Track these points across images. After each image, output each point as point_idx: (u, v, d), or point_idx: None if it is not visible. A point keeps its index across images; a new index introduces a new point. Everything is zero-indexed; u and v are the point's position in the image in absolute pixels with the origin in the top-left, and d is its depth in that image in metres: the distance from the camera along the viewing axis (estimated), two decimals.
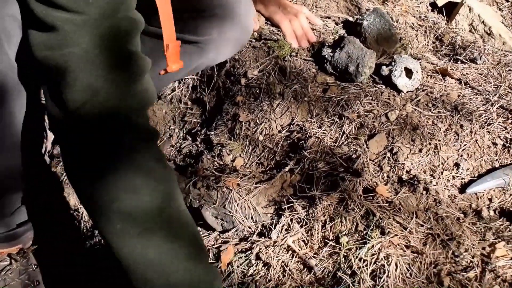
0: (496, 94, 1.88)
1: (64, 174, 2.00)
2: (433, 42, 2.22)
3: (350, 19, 2.14)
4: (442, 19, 2.32)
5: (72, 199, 1.97)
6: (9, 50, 1.32)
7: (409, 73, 1.84)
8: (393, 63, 1.86)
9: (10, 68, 1.33)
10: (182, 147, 1.92)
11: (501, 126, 1.76)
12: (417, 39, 2.20)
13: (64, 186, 1.99)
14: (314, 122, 1.76)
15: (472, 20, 2.25)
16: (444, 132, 1.73)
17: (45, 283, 1.71)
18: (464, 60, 2.06)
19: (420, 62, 1.96)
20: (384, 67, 1.88)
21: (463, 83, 1.94)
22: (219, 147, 1.78)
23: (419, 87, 1.88)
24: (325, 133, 1.72)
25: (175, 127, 2.01)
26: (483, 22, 2.22)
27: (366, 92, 1.82)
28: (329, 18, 2.18)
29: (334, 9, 2.23)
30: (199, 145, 1.88)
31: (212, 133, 1.85)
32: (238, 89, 1.90)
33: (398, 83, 1.84)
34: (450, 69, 1.99)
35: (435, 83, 1.92)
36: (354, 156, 1.64)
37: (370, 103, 1.78)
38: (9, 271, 1.67)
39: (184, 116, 2.02)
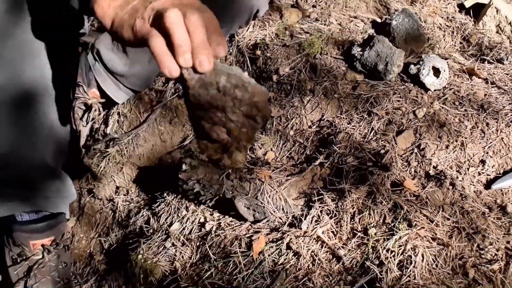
0: None
1: (99, 165, 2.08)
2: (460, 43, 2.26)
3: (378, 20, 2.19)
4: (470, 20, 2.35)
5: (108, 189, 2.04)
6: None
7: (436, 72, 1.89)
8: (421, 62, 1.91)
9: (43, 74, 1.45)
10: None
11: None
12: (444, 39, 2.24)
13: (99, 177, 2.06)
14: (343, 118, 1.81)
15: (499, 22, 2.28)
16: (470, 129, 1.78)
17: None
18: (491, 60, 2.10)
19: (447, 62, 2.01)
20: (412, 66, 1.93)
21: (489, 82, 1.98)
22: None
23: (446, 86, 1.93)
24: (354, 129, 1.77)
25: None
26: (510, 23, 2.26)
27: (395, 90, 1.87)
28: (356, 18, 2.24)
29: (364, 9, 2.28)
30: None
31: None
32: (270, 86, 1.96)
33: (426, 81, 1.89)
34: (477, 69, 2.03)
35: (462, 82, 1.96)
36: (382, 151, 1.69)
37: (399, 101, 1.83)
38: (41, 265, 1.73)
39: None
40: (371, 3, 2.32)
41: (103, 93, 2.09)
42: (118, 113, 2.18)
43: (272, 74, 1.97)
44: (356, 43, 2.02)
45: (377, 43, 1.93)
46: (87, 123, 2.11)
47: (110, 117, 2.18)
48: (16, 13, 1.40)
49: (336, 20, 2.21)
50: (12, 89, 1.47)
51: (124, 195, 2.01)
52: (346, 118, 1.81)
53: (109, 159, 2.08)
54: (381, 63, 1.89)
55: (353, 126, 1.79)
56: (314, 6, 2.31)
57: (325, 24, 2.19)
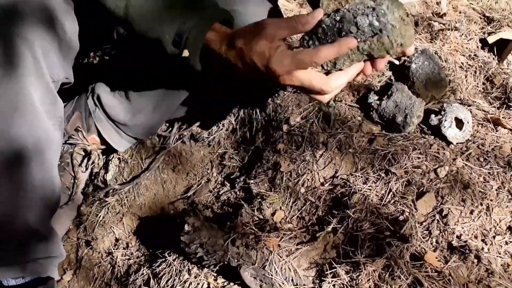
0: None
1: (98, 214, 1.96)
2: (483, 84, 2.12)
3: (397, 62, 2.05)
4: (493, 59, 2.21)
5: (107, 241, 1.93)
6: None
7: (459, 123, 1.76)
8: (442, 113, 1.78)
9: (32, 131, 1.42)
10: (220, 193, 1.86)
11: None
12: (466, 80, 2.10)
13: (98, 227, 1.95)
14: (359, 176, 1.68)
15: None
16: (496, 190, 1.64)
17: None
18: None
19: (470, 109, 1.87)
20: (433, 116, 1.79)
21: None
22: (259, 199, 1.71)
23: (470, 138, 1.79)
24: (370, 190, 1.64)
25: (213, 171, 1.95)
26: None
27: (414, 144, 1.73)
28: None
29: None
30: (238, 193, 1.81)
31: (251, 181, 1.78)
32: (280, 136, 1.83)
33: (448, 134, 1.75)
34: (503, 117, 1.89)
35: (487, 134, 1.83)
36: (401, 217, 1.56)
37: (419, 157, 1.70)
38: None
39: (223, 159, 1.96)
40: None
41: (103, 140, 1.98)
42: (119, 159, 2.07)
43: (282, 123, 1.84)
44: (373, 89, 1.89)
45: (396, 92, 1.80)
46: (86, 169, 2.00)
47: (110, 162, 2.07)
48: (9, 66, 1.34)
49: None
50: (1, 143, 1.40)
51: (123, 248, 1.90)
52: (361, 177, 1.68)
53: (108, 209, 1.97)
54: (400, 115, 1.76)
55: (369, 186, 1.65)
56: None
57: None
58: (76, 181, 1.98)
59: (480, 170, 1.69)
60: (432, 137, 1.79)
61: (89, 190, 2.04)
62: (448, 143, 1.77)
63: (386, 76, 1.99)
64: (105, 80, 1.93)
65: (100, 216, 1.96)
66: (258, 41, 1.25)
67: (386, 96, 1.80)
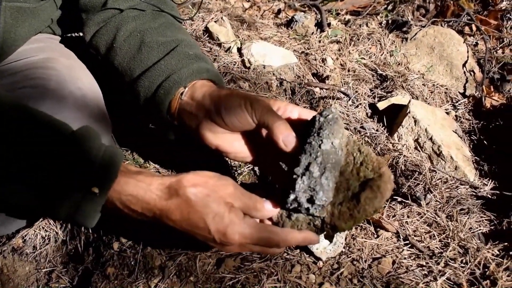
0: (441, 258, 1.46)
1: None
2: None
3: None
4: (382, 131, 1.90)
5: None
6: None
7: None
8: None
9: None
10: None
11: None
12: None
13: None
14: None
15: (418, 135, 1.83)
16: None
17: None
18: (405, 201, 1.64)
19: None
20: None
21: (401, 237, 1.53)
22: None
23: (344, 249, 1.47)
24: None
25: None
26: (431, 139, 1.80)
27: (272, 267, 1.39)
28: None
29: None
30: None
31: None
32: (111, 256, 1.46)
33: (314, 249, 1.42)
34: (386, 216, 1.57)
35: (365, 241, 1.50)
36: None
37: (275, 286, 1.36)
38: None
39: (50, 279, 1.58)
40: None
41: None
42: None
43: (113, 239, 1.48)
44: None
45: None
46: None
47: None
48: None
49: None
50: None
51: None
52: None
53: None
54: None
55: None
56: None
57: None
58: None
59: None
60: (297, 251, 1.45)
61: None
62: (317, 259, 1.44)
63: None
64: None
65: None
66: (216, 200, 1.11)
67: None
